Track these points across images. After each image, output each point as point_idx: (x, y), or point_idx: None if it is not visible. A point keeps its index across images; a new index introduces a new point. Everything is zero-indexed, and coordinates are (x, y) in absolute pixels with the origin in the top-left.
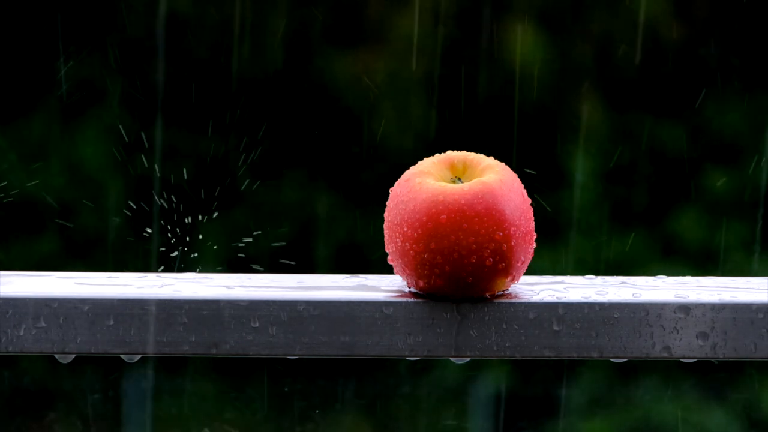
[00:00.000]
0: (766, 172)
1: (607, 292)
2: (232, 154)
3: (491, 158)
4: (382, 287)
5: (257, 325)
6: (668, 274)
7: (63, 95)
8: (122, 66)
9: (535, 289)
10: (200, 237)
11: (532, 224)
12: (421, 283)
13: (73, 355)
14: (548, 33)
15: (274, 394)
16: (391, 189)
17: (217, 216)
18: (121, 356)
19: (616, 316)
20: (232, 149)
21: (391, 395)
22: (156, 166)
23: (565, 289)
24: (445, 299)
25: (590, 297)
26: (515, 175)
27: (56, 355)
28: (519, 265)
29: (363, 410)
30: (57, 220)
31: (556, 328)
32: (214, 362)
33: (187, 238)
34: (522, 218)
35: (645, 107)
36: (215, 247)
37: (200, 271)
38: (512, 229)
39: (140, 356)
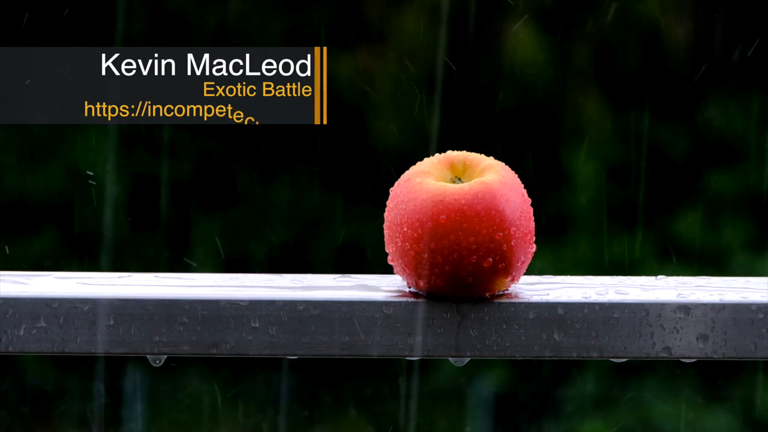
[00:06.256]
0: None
1: (607, 292)
2: (233, 152)
3: (491, 158)
4: (382, 287)
5: (257, 325)
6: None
7: None
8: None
9: (535, 289)
10: (200, 237)
11: (532, 224)
12: (421, 283)
13: (164, 357)
14: (548, 32)
15: (274, 394)
16: (391, 189)
17: (216, 216)
18: (148, 357)
19: (616, 316)
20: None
21: (391, 395)
22: (155, 165)
23: (565, 289)
24: (445, 299)
25: (590, 297)
26: (515, 175)
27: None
28: (519, 265)
29: (363, 410)
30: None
31: (556, 327)
32: (214, 362)
33: (187, 238)
34: (522, 218)
35: (646, 107)
36: (215, 247)
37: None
38: (512, 229)
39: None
